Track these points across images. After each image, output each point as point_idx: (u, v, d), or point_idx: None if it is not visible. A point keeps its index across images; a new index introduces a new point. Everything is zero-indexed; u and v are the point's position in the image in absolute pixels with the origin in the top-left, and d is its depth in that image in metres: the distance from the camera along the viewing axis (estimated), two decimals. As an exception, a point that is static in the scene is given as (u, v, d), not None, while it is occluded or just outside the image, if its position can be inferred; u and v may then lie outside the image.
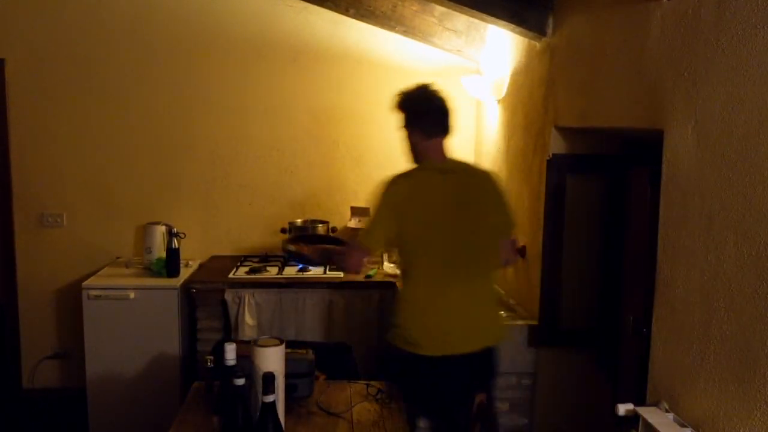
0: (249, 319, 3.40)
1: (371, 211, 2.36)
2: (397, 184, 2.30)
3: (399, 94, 2.38)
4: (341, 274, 3.49)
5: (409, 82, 3.72)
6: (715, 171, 1.60)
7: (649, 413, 1.76)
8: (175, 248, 3.50)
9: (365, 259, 2.36)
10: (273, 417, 1.66)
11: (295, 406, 2.12)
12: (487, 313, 2.39)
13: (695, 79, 1.69)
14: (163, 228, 3.71)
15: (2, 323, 3.81)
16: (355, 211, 3.76)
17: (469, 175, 2.39)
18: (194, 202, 3.94)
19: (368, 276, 3.53)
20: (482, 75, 3.73)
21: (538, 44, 2.89)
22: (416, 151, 2.38)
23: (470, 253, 2.29)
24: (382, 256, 3.77)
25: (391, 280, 3.46)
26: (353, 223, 3.72)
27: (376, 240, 2.33)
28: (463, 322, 2.29)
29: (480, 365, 2.33)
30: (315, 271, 3.60)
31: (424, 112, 2.34)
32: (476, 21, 3.45)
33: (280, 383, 1.84)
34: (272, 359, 1.82)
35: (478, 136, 3.96)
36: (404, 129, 2.38)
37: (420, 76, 3.90)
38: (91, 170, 3.85)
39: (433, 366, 2.24)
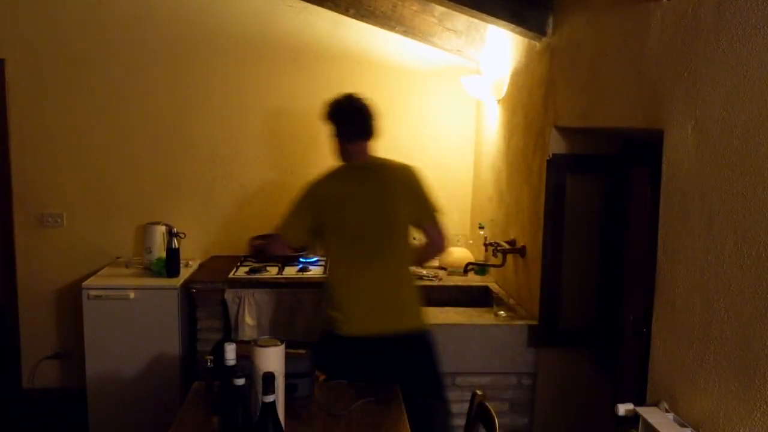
0: (249, 319, 3.40)
1: (290, 206, 2.66)
2: (316, 182, 2.63)
3: (326, 106, 2.68)
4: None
5: (409, 82, 3.80)
6: (715, 171, 1.60)
7: (649, 413, 1.76)
8: (175, 248, 3.50)
9: (286, 249, 2.71)
10: (273, 417, 1.66)
11: (295, 406, 2.12)
12: (401, 296, 2.58)
13: (695, 79, 1.69)
14: (163, 228, 3.71)
15: (2, 323, 3.81)
16: None
17: (385, 170, 2.62)
18: (194, 202, 3.94)
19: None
20: (482, 75, 3.73)
21: (538, 44, 2.89)
22: (342, 154, 2.65)
23: (382, 240, 2.55)
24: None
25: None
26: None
27: (293, 233, 2.64)
28: (377, 304, 2.53)
29: (403, 351, 2.50)
30: (315, 271, 3.60)
31: (345, 120, 2.63)
32: (476, 21, 3.45)
33: (280, 383, 1.84)
34: (272, 359, 1.82)
35: (478, 136, 3.96)
36: (333, 136, 2.66)
37: (420, 76, 3.96)
38: (91, 170, 3.85)
39: (350, 345, 2.49)
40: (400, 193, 2.60)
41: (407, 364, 2.52)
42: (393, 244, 2.58)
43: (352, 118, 2.63)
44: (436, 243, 2.67)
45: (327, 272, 2.67)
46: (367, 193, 2.58)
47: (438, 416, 2.38)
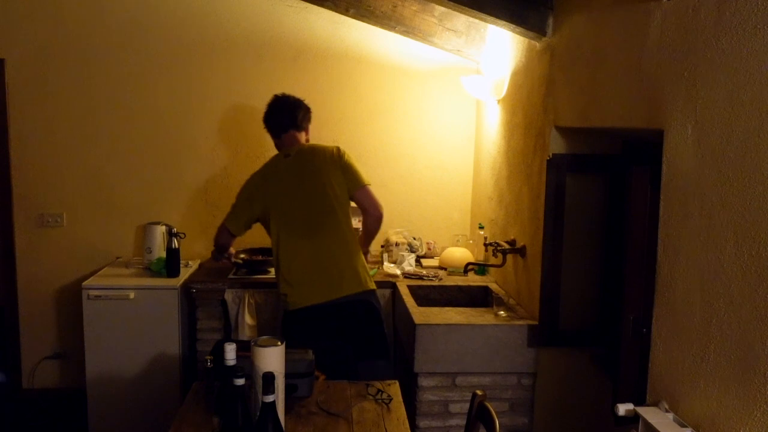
0: (249, 319, 3.40)
1: (235, 199, 3.01)
2: (253, 175, 2.99)
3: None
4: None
5: (409, 82, 3.82)
6: (715, 171, 1.60)
7: (649, 413, 1.76)
8: (175, 248, 3.50)
9: (230, 238, 3.10)
10: (273, 417, 1.66)
11: (295, 406, 2.12)
12: (339, 265, 2.81)
13: (695, 79, 1.69)
14: (163, 228, 3.71)
15: (2, 323, 3.81)
16: (354, 211, 3.76)
17: (313, 152, 2.90)
18: (194, 202, 3.94)
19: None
20: (482, 75, 3.73)
21: (538, 44, 2.89)
22: (277, 148, 3.04)
23: (317, 215, 2.83)
24: (382, 256, 3.78)
25: (392, 280, 3.46)
26: (354, 223, 3.72)
27: (236, 223, 3.02)
28: (316, 274, 2.79)
29: (346, 316, 2.77)
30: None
31: (269, 118, 3.02)
32: (476, 21, 3.45)
33: (280, 383, 1.84)
34: (272, 359, 1.82)
35: (478, 136, 3.96)
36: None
37: (420, 76, 3.96)
38: (91, 170, 3.85)
39: (298, 316, 2.76)
40: (329, 169, 2.85)
41: (350, 327, 2.78)
42: (328, 217, 2.83)
43: (274, 116, 3.00)
44: (370, 211, 2.93)
45: (274, 255, 2.91)
46: (299, 174, 2.86)
47: (383, 376, 2.46)
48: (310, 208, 2.84)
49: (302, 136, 2.99)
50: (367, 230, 3.05)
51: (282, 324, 2.91)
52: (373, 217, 2.95)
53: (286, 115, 2.98)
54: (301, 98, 3.10)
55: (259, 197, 2.93)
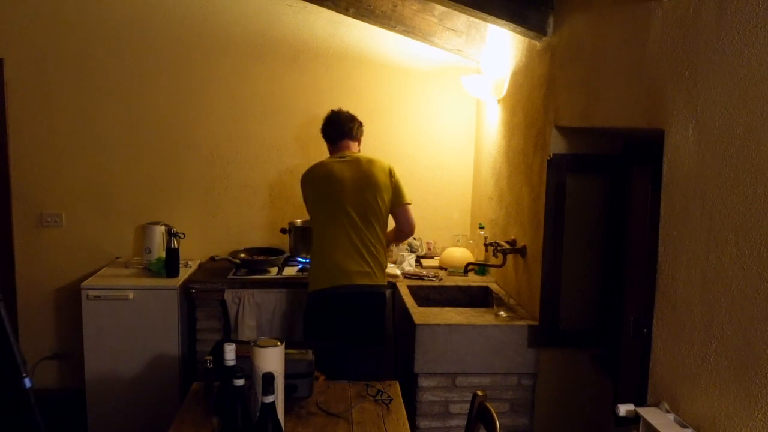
0: (249, 320, 3.40)
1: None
2: (307, 170, 3.25)
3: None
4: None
5: (409, 82, 3.85)
6: (716, 171, 1.59)
7: (649, 414, 1.76)
8: (175, 248, 3.49)
9: None
10: (273, 417, 1.65)
11: (295, 407, 2.11)
12: (364, 258, 3.07)
13: (696, 79, 1.68)
14: (162, 228, 3.70)
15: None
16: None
17: (369, 163, 3.16)
18: (194, 202, 3.93)
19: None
20: (482, 74, 3.73)
21: (538, 44, 2.89)
22: (330, 153, 3.30)
23: (354, 213, 3.06)
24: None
25: (392, 280, 3.45)
26: None
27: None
28: (344, 263, 3.05)
29: (359, 299, 3.05)
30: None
31: (326, 127, 3.29)
32: (476, 20, 3.44)
33: (279, 383, 1.83)
34: (272, 359, 1.82)
35: (478, 135, 3.95)
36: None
37: (420, 76, 3.96)
38: (91, 170, 3.85)
39: (326, 296, 3.04)
40: (374, 180, 3.10)
41: (353, 314, 3.04)
42: (367, 218, 3.08)
43: (331, 126, 3.28)
44: (404, 228, 3.24)
45: (312, 242, 3.18)
46: (347, 176, 3.10)
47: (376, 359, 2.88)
48: (354, 208, 3.07)
49: (355, 146, 3.29)
50: (395, 240, 3.44)
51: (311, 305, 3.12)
52: (404, 233, 3.30)
53: (343, 127, 3.26)
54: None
55: (308, 189, 3.22)
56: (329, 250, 3.07)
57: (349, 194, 3.07)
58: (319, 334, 3.03)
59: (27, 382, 2.13)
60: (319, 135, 3.32)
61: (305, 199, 3.25)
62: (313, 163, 3.26)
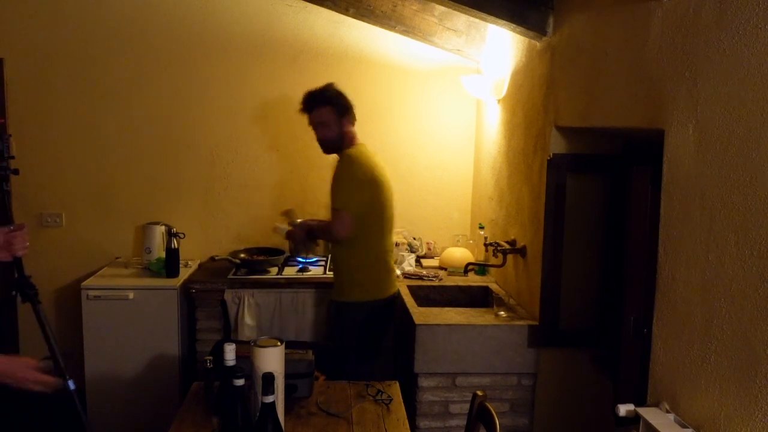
0: (249, 320, 3.39)
1: (344, 184, 2.88)
2: (367, 167, 2.88)
3: (322, 91, 2.87)
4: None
5: (409, 82, 3.82)
6: (716, 171, 1.59)
7: (649, 414, 1.76)
8: (175, 248, 3.49)
9: (348, 229, 2.87)
10: (273, 417, 1.65)
11: (295, 407, 2.11)
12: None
13: (696, 79, 1.68)
14: (162, 228, 3.70)
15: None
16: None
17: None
18: (194, 202, 3.93)
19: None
20: (482, 74, 3.73)
21: (538, 44, 2.89)
22: (345, 137, 2.92)
23: (392, 218, 3.03)
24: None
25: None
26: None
27: (354, 209, 2.87)
28: (390, 272, 3.08)
29: (393, 306, 3.09)
30: (314, 272, 3.60)
31: (350, 103, 2.89)
32: (476, 20, 3.44)
33: (279, 383, 1.83)
34: (272, 359, 1.82)
35: (478, 135, 3.95)
36: (334, 119, 2.88)
37: (420, 76, 3.95)
38: (91, 170, 3.84)
39: (391, 302, 3.05)
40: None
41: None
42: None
43: (348, 101, 2.91)
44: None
45: (356, 248, 2.97)
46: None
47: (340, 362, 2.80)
48: (392, 212, 3.06)
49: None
50: (322, 227, 3.13)
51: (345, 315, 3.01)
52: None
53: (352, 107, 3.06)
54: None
55: (369, 189, 2.95)
56: (390, 257, 3.08)
57: (391, 198, 3.04)
58: (375, 343, 3.04)
59: (70, 385, 2.13)
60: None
61: (362, 201, 2.86)
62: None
